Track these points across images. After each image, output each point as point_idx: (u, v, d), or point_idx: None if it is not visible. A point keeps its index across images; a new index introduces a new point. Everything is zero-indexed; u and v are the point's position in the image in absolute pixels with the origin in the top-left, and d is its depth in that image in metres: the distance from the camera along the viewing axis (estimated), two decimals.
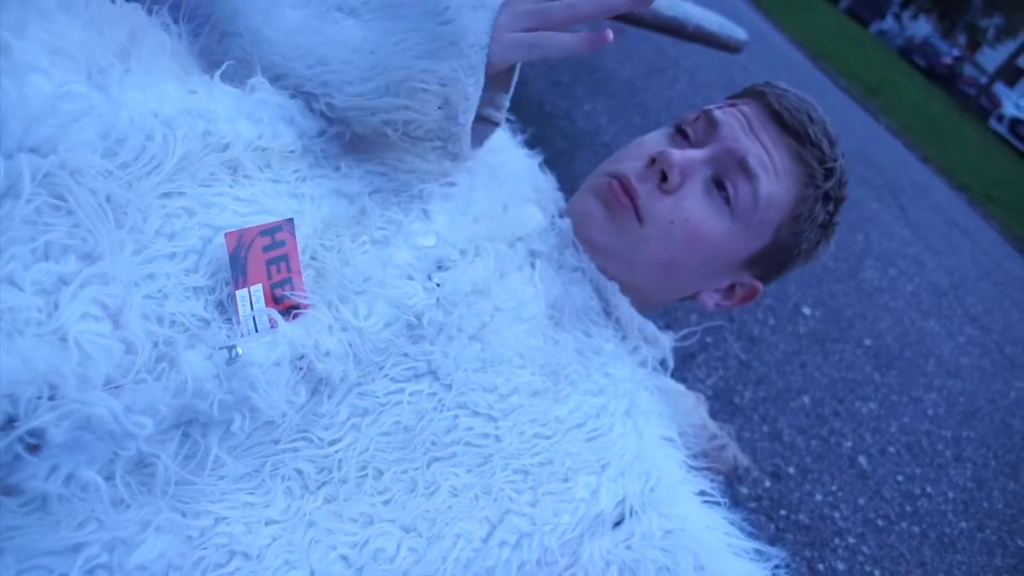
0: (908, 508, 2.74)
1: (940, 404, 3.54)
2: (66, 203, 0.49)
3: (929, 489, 2.91)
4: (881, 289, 4.33)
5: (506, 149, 0.89)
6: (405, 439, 0.62)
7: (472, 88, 0.63)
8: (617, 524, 0.70)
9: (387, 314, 0.62)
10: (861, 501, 2.63)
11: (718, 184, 0.81)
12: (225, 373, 0.51)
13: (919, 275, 4.86)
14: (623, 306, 0.84)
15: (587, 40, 0.61)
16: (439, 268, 0.68)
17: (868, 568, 2.38)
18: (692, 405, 0.91)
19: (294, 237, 0.58)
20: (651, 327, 0.87)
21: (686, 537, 0.69)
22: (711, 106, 0.85)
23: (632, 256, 0.83)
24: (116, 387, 0.48)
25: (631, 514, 0.70)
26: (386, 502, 0.60)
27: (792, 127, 0.82)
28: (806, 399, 2.97)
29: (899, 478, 2.87)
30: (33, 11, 0.52)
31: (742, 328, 3.09)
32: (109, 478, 0.48)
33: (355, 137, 0.69)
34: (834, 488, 2.60)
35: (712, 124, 0.83)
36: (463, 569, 0.60)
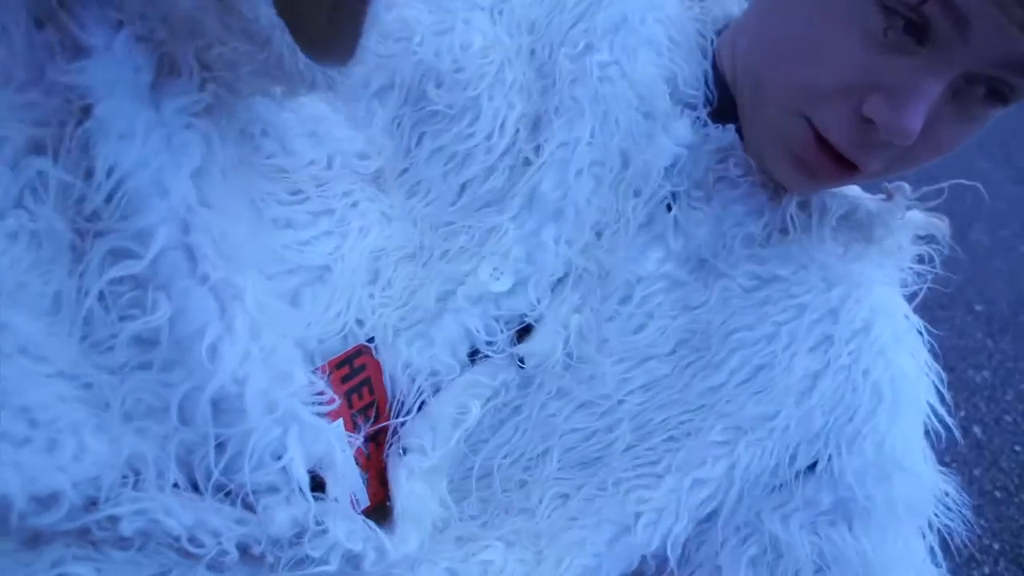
0: None
1: None
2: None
3: None
4: (992, 251, 4.12)
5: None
6: (488, 482, 0.59)
7: None
8: (777, 488, 0.63)
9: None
10: (976, 472, 2.53)
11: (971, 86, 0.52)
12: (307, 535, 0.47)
13: None
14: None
15: None
16: (519, 328, 0.57)
17: (987, 541, 2.30)
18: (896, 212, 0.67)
19: (374, 357, 0.53)
20: (857, 190, 0.68)
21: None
22: None
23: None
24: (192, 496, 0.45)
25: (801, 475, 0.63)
26: (484, 524, 0.58)
27: None
28: None
29: (1016, 448, 2.74)
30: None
31: None
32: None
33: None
34: (947, 459, 2.51)
35: (958, 21, 0.47)
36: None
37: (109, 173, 0.41)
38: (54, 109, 0.41)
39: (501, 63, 0.56)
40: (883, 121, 0.51)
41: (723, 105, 0.63)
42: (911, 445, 0.64)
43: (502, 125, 0.56)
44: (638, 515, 0.59)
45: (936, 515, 0.65)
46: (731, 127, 0.63)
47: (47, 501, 0.40)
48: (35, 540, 0.42)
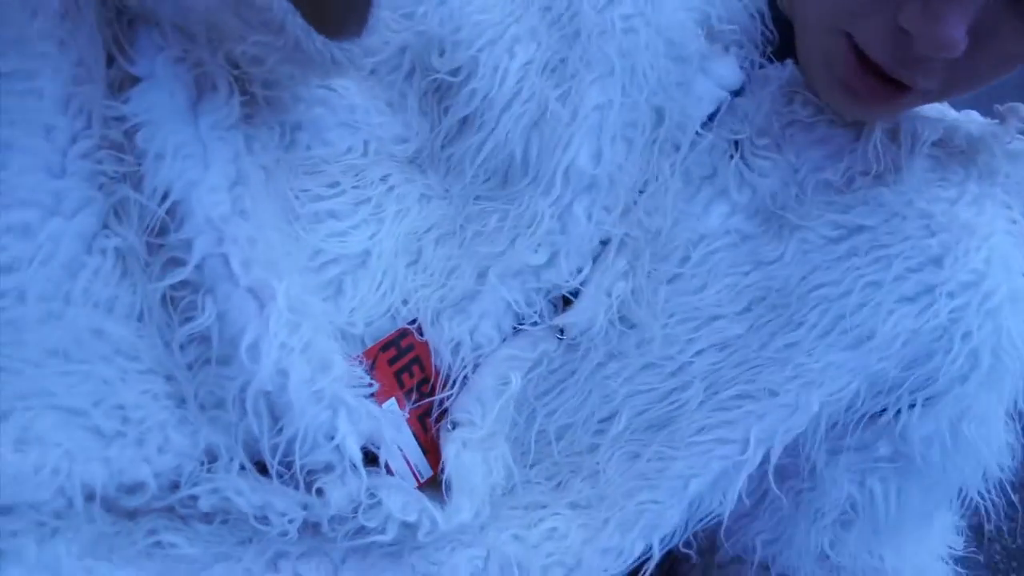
0: None
1: None
2: None
3: None
4: None
5: None
6: (550, 449, 0.59)
7: None
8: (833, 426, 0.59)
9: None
10: None
11: None
12: (361, 508, 0.49)
13: None
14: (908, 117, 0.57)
15: None
16: (561, 298, 0.56)
17: None
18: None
19: (420, 336, 0.54)
20: (973, 115, 0.60)
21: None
22: None
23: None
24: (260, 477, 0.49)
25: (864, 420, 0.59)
26: (557, 486, 0.58)
27: None
28: None
29: None
30: None
31: None
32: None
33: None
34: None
35: None
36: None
37: (153, 191, 0.44)
38: (121, 137, 0.45)
39: (503, 16, 0.53)
40: (918, 31, 0.44)
41: (786, 42, 0.57)
42: (994, 423, 0.59)
43: (503, 77, 0.53)
44: (719, 477, 0.57)
45: (990, 492, 0.61)
46: (788, 62, 0.56)
47: (132, 488, 0.46)
48: (132, 515, 0.47)
